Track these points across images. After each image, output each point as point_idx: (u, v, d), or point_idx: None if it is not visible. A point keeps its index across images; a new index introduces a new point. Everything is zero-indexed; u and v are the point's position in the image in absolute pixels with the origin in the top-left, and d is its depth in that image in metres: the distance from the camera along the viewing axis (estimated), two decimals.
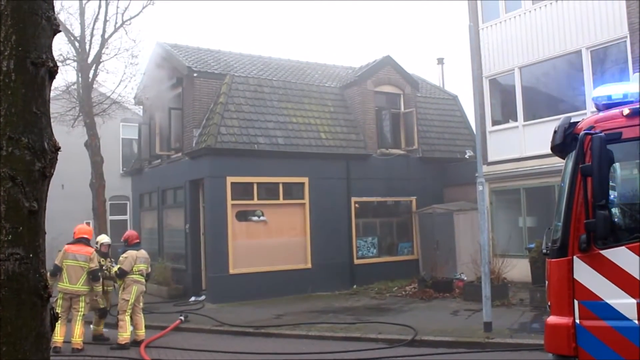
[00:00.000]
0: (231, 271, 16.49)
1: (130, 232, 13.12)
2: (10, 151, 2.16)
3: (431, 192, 20.13)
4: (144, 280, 12.00)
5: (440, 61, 27.01)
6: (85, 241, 11.73)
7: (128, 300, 11.58)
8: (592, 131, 5.23)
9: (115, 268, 11.90)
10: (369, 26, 60.08)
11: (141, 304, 12.02)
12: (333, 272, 17.93)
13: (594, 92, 6.00)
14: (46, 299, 2.25)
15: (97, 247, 12.53)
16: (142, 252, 12.15)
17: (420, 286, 16.70)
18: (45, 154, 2.27)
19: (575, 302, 5.18)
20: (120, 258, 11.97)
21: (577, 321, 5.14)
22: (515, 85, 17.86)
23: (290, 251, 17.69)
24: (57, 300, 11.31)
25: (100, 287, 12.14)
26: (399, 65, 20.63)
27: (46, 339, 2.26)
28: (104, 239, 13.07)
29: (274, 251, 17.37)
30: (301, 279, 17.33)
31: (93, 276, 11.52)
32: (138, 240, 12.49)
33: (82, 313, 11.36)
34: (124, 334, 11.42)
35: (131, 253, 11.87)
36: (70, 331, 11.28)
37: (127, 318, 11.52)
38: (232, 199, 16.80)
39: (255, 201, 17.41)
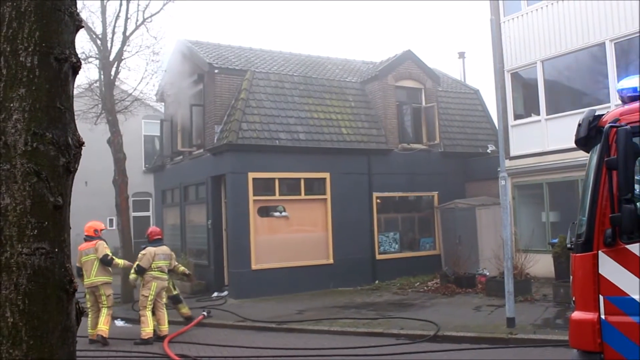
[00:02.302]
0: (253, 267, 16.55)
1: (152, 228, 13.23)
2: (35, 146, 2.17)
3: (453, 187, 20.01)
4: (165, 276, 12.10)
5: (462, 55, 26.83)
6: (88, 238, 12.11)
7: (147, 297, 11.70)
8: (617, 124, 5.14)
9: (134, 265, 12.06)
10: (390, 21, 59.88)
11: (163, 299, 12.12)
12: (355, 267, 17.91)
13: (618, 84, 5.90)
14: (72, 293, 2.27)
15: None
16: (163, 249, 12.24)
17: (443, 281, 16.63)
18: (70, 149, 2.29)
19: (601, 297, 5.10)
20: (139, 255, 12.13)
21: (603, 317, 5.07)
22: (538, 78, 17.66)
23: (312, 246, 17.71)
24: (85, 295, 11.76)
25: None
26: (420, 59, 20.49)
27: (72, 332, 2.28)
28: None
29: (295, 247, 17.39)
30: (323, 274, 17.35)
31: (105, 262, 11.81)
32: (159, 237, 12.58)
33: (106, 305, 11.60)
34: (147, 329, 11.53)
35: (150, 250, 12.00)
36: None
37: (149, 313, 11.64)
38: (254, 195, 16.85)
39: (277, 197, 17.45)
